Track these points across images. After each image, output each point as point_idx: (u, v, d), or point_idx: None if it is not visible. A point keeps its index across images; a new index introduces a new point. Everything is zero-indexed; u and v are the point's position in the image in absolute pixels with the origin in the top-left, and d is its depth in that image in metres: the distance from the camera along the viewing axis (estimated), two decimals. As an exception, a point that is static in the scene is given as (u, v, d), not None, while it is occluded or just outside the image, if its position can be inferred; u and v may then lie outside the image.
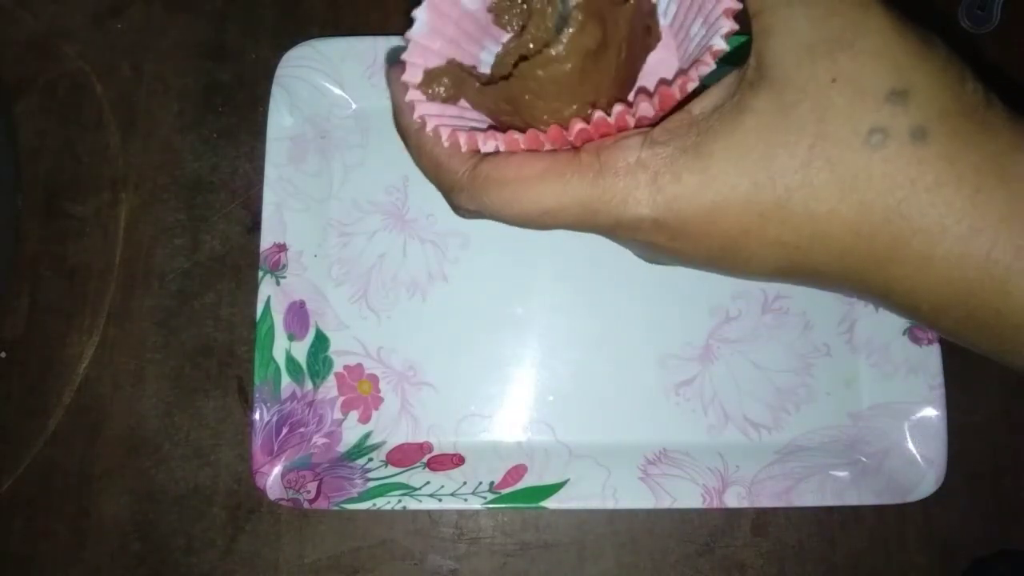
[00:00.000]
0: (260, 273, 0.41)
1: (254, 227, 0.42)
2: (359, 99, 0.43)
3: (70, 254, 0.43)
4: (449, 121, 0.23)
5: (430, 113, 0.23)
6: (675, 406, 0.41)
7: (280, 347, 0.40)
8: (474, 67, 0.24)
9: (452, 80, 0.23)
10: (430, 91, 0.23)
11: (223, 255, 0.43)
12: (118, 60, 0.45)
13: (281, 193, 0.42)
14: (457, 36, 0.23)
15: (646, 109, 0.21)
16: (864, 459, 0.40)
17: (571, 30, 0.20)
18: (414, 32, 0.23)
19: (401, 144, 0.45)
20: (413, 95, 0.23)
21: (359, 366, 0.42)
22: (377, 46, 0.42)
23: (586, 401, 0.41)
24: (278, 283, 0.41)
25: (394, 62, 0.23)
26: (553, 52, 0.20)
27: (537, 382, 0.42)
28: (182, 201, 0.44)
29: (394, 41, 0.42)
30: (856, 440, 0.41)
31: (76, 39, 0.45)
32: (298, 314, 0.41)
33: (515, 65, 0.22)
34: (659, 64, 0.24)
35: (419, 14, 0.22)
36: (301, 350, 0.41)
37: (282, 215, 0.41)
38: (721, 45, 0.20)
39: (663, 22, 0.24)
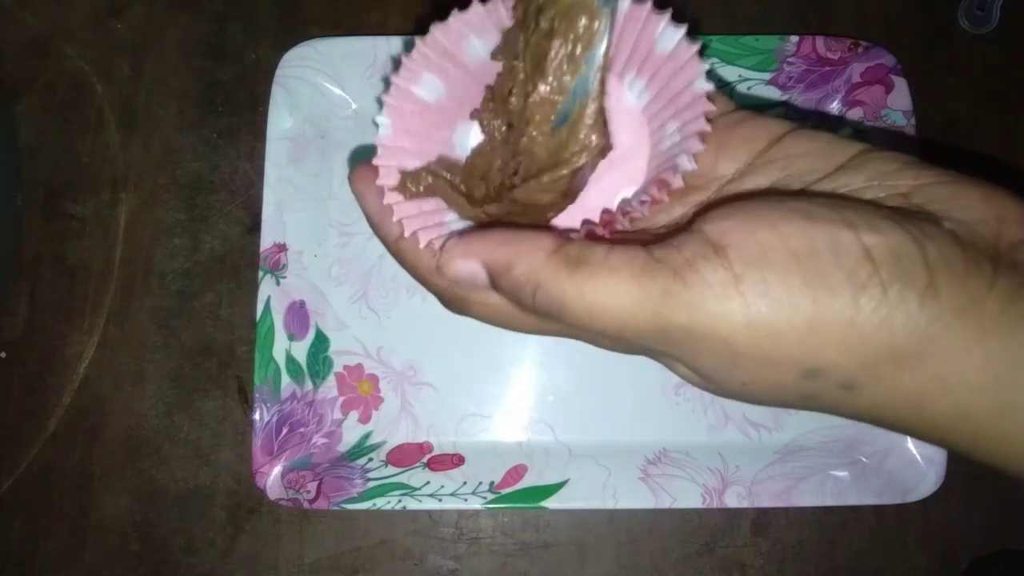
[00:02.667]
0: (260, 273, 0.41)
1: (254, 227, 0.42)
2: (359, 99, 0.43)
3: (70, 254, 0.43)
4: (428, 220, 0.23)
5: (409, 215, 0.22)
6: (675, 406, 0.41)
7: (280, 347, 0.40)
8: (446, 154, 0.24)
9: (431, 179, 0.23)
10: (407, 191, 0.23)
11: (223, 255, 0.43)
12: (118, 60, 0.45)
13: (281, 193, 0.42)
14: (423, 128, 0.23)
15: (638, 213, 0.21)
16: (864, 459, 0.40)
17: (595, 139, 0.21)
18: (381, 136, 0.23)
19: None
20: (391, 198, 0.22)
21: (359, 366, 0.42)
22: (377, 46, 0.42)
23: (586, 401, 0.41)
24: (278, 283, 0.41)
25: (356, 167, 0.23)
26: (577, 164, 0.21)
27: (537, 382, 0.42)
28: (182, 201, 0.44)
29: (394, 41, 0.42)
30: (856, 440, 0.41)
31: (76, 39, 0.45)
32: (298, 314, 0.41)
33: (512, 175, 0.22)
34: (632, 150, 0.24)
35: (381, 119, 0.23)
36: (301, 350, 0.41)
37: (282, 215, 0.41)
38: (688, 167, 0.21)
39: (633, 99, 0.24)
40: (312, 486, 0.39)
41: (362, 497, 0.39)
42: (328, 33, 0.43)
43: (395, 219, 0.22)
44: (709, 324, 0.18)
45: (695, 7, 0.46)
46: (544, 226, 0.23)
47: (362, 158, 0.43)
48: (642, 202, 0.21)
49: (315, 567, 0.41)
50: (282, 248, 0.41)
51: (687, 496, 0.39)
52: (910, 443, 0.39)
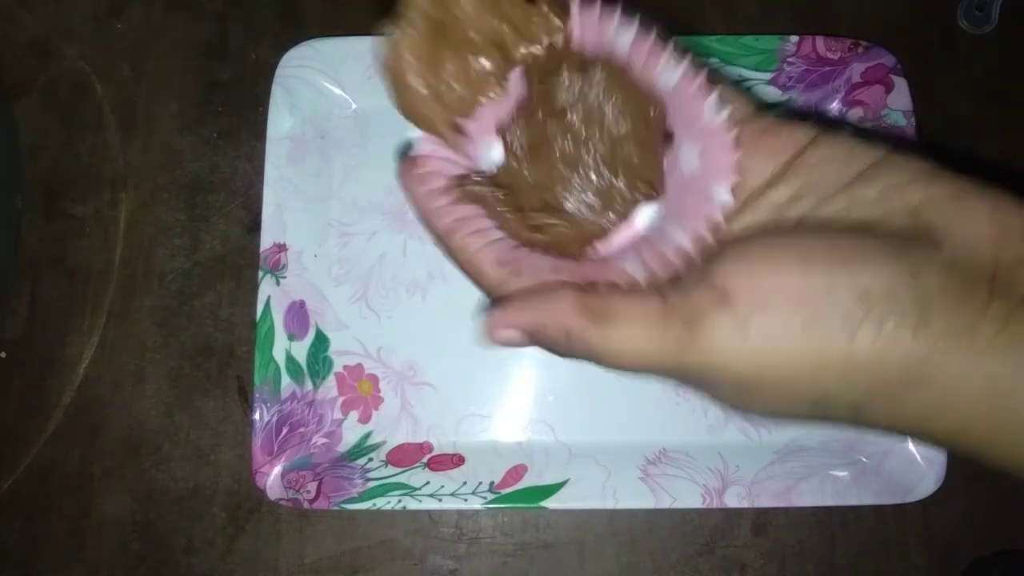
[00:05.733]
0: (260, 273, 0.41)
1: (254, 227, 0.42)
2: (359, 99, 0.43)
3: (70, 254, 0.43)
4: (476, 224, 0.24)
5: (460, 217, 0.24)
6: (675, 406, 0.41)
7: (280, 347, 0.40)
8: (476, 168, 0.25)
9: (478, 189, 0.24)
10: (457, 197, 0.24)
11: (223, 255, 0.43)
12: (118, 60, 0.45)
13: (281, 193, 0.42)
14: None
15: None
16: (864, 459, 0.40)
17: (641, 192, 0.23)
18: (420, 141, 0.24)
19: (401, 144, 0.45)
20: (441, 199, 0.24)
21: (359, 366, 0.42)
22: (377, 46, 0.42)
23: (586, 401, 0.41)
24: (278, 283, 0.41)
25: (403, 161, 0.24)
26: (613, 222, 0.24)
27: (537, 382, 0.42)
28: (182, 201, 0.44)
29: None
30: (856, 440, 0.41)
31: (76, 39, 0.45)
32: (298, 314, 0.41)
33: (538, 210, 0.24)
34: None
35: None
36: (301, 350, 0.41)
37: (282, 215, 0.41)
38: (727, 200, 0.22)
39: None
40: (312, 486, 0.39)
41: (362, 497, 0.39)
42: (328, 33, 0.43)
43: (449, 220, 0.23)
44: (720, 366, 0.20)
45: (695, 7, 0.46)
46: (575, 259, 0.24)
47: (362, 159, 0.43)
48: (694, 240, 0.22)
49: (315, 567, 0.41)
50: (282, 248, 0.41)
51: (687, 496, 0.39)
52: (910, 443, 0.39)
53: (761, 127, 0.23)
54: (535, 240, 0.24)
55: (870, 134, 0.23)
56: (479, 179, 0.24)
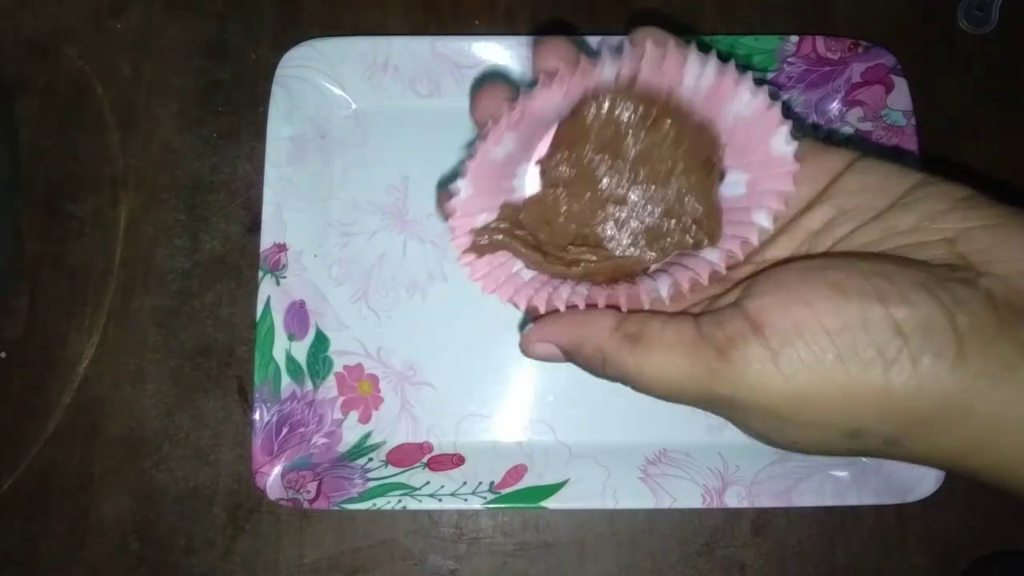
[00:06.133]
0: (260, 273, 0.41)
1: (254, 227, 0.42)
2: (359, 99, 0.43)
3: (70, 254, 0.43)
4: (501, 274, 0.24)
5: (482, 272, 0.24)
6: (675, 406, 0.41)
7: (280, 347, 0.40)
8: (508, 200, 0.24)
9: (499, 237, 0.24)
10: (479, 250, 0.24)
11: (223, 255, 0.43)
12: (118, 60, 0.45)
13: (281, 193, 0.42)
14: (491, 181, 0.24)
15: (708, 283, 0.23)
16: (864, 459, 0.40)
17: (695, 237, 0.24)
18: (457, 200, 0.23)
19: (401, 144, 0.45)
20: (465, 259, 0.24)
21: (359, 366, 0.42)
22: (377, 46, 0.42)
23: (586, 401, 0.41)
24: (278, 283, 0.41)
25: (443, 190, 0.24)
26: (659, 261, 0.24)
27: (537, 382, 0.42)
28: (182, 201, 0.44)
29: (394, 41, 0.42)
30: (856, 440, 0.41)
31: (76, 39, 0.45)
32: (298, 314, 0.41)
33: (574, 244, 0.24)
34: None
35: (462, 183, 0.23)
36: (301, 350, 0.41)
37: (282, 215, 0.41)
38: (767, 226, 0.22)
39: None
40: (312, 486, 0.39)
41: (362, 497, 0.39)
42: (328, 33, 0.43)
43: (471, 278, 0.24)
44: (751, 398, 0.20)
45: (695, 7, 0.46)
46: (615, 283, 0.24)
47: (362, 158, 0.43)
48: (725, 256, 0.23)
49: (315, 567, 0.41)
50: (282, 248, 0.41)
51: (687, 496, 0.39)
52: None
53: (799, 153, 0.22)
54: (567, 274, 0.24)
55: (905, 159, 0.23)
56: (502, 222, 0.24)
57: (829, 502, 0.39)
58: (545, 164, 0.24)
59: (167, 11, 0.46)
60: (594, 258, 0.24)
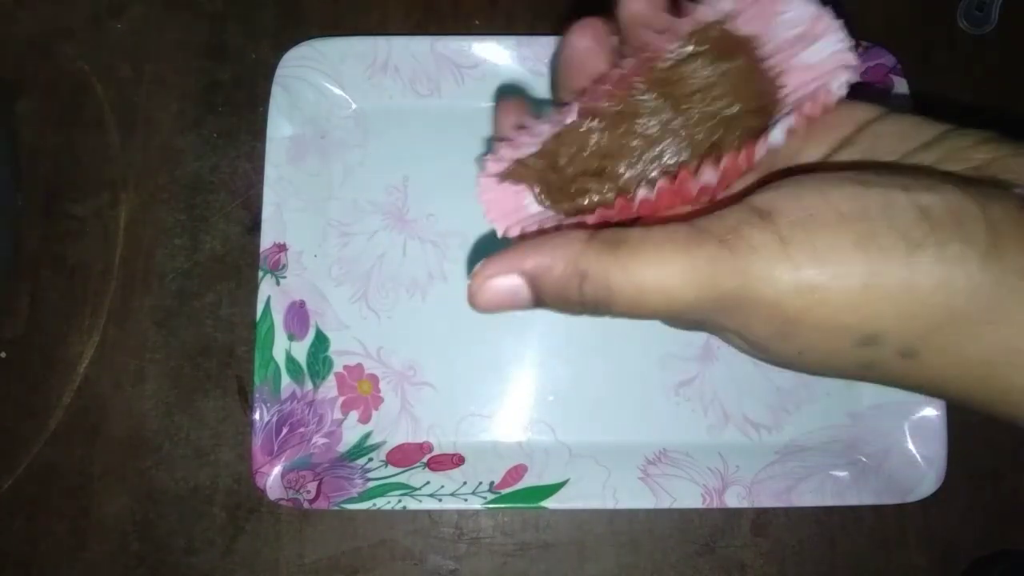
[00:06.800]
0: (260, 273, 0.41)
1: (254, 227, 0.42)
2: (359, 99, 0.43)
3: (70, 254, 0.43)
4: (508, 201, 0.22)
5: (503, 212, 0.22)
6: (675, 406, 0.41)
7: (280, 347, 0.40)
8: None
9: (517, 166, 0.22)
10: (501, 178, 0.22)
11: (223, 255, 0.43)
12: (118, 60, 0.45)
13: (281, 193, 0.42)
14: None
15: (709, 178, 0.20)
16: (864, 459, 0.40)
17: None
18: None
19: (401, 144, 0.45)
20: (483, 182, 0.22)
21: (359, 366, 0.42)
22: (377, 46, 0.42)
23: (586, 401, 0.41)
24: (278, 283, 0.41)
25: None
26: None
27: (537, 382, 0.42)
28: (182, 201, 0.44)
29: (394, 41, 0.42)
30: (856, 440, 0.41)
31: (76, 39, 0.45)
32: (298, 314, 0.41)
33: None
34: None
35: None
36: (301, 350, 0.41)
37: (282, 215, 0.41)
38: (779, 141, 0.20)
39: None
40: (312, 486, 0.39)
41: (362, 497, 0.39)
42: (328, 33, 0.43)
43: (478, 199, 0.21)
44: (758, 289, 0.17)
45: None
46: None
47: (362, 158, 0.43)
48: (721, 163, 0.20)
49: (315, 567, 0.41)
50: (282, 248, 0.41)
51: (687, 496, 0.39)
52: (910, 443, 0.39)
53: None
54: (578, 207, 0.21)
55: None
56: (533, 154, 0.22)
57: (829, 502, 0.39)
58: (583, 94, 0.22)
59: (167, 11, 0.46)
60: (600, 194, 0.21)
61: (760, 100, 0.21)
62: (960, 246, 0.16)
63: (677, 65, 0.21)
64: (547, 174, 0.22)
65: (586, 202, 0.21)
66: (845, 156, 0.20)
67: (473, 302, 0.20)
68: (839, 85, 0.20)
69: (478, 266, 0.20)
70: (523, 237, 0.21)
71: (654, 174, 0.21)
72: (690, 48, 0.21)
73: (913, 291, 0.16)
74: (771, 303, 0.17)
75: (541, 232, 0.21)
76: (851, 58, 0.20)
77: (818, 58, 0.21)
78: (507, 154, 0.22)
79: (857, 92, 0.21)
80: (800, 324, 0.17)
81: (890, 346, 0.17)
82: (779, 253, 0.17)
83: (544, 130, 0.22)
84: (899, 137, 0.20)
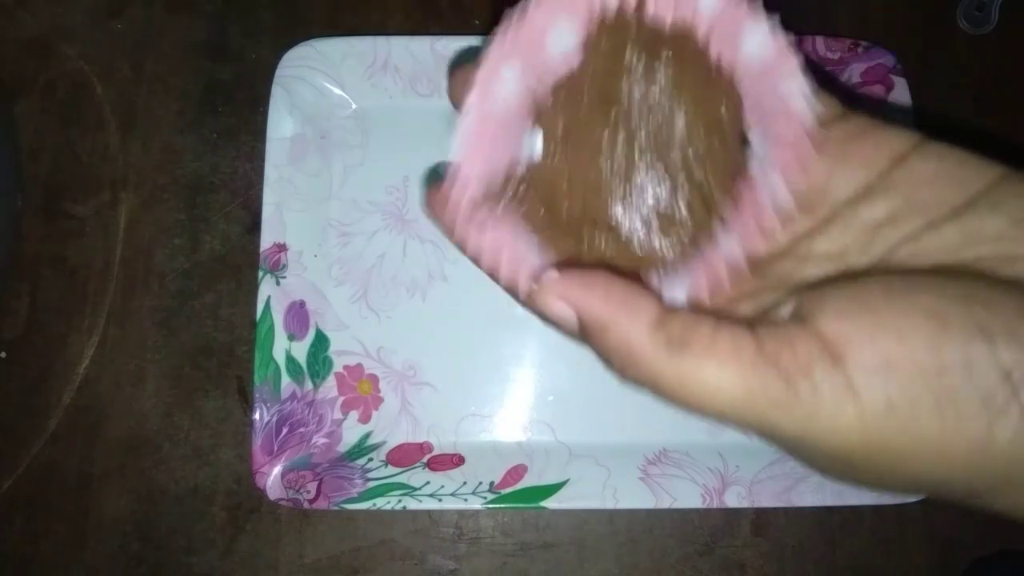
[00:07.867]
0: (260, 273, 0.41)
1: (254, 227, 0.42)
2: (359, 99, 0.43)
3: (70, 254, 0.43)
4: (509, 246, 0.20)
5: (487, 246, 0.20)
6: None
7: (280, 347, 0.40)
8: (515, 166, 0.21)
9: (505, 205, 0.20)
10: (482, 214, 0.20)
11: (223, 255, 0.43)
12: (118, 60, 0.45)
13: (281, 193, 0.42)
14: (496, 137, 0.20)
15: (733, 252, 0.19)
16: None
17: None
18: (457, 148, 0.19)
19: (401, 144, 0.45)
20: (461, 227, 0.20)
21: (359, 366, 0.42)
22: (377, 46, 0.42)
23: (586, 401, 0.41)
24: (278, 283, 0.41)
25: (429, 190, 0.20)
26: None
27: (537, 382, 0.42)
28: (182, 201, 0.44)
29: (394, 41, 0.42)
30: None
31: (76, 39, 0.45)
32: (298, 314, 0.41)
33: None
34: None
35: (463, 123, 0.19)
36: (301, 350, 0.41)
37: (282, 215, 0.41)
38: (785, 203, 0.19)
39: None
40: (312, 486, 0.39)
41: (362, 497, 0.39)
42: (328, 33, 0.43)
43: (470, 249, 0.20)
44: (821, 439, 0.17)
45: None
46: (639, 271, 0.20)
47: (362, 158, 0.43)
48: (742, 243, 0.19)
49: (315, 567, 0.41)
50: (282, 248, 0.41)
51: (687, 496, 0.39)
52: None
53: (852, 130, 0.20)
54: (579, 255, 0.20)
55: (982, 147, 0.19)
56: (510, 186, 0.20)
57: (829, 502, 0.39)
58: (541, 117, 0.20)
59: (167, 11, 0.46)
60: (602, 242, 0.20)
61: (718, 104, 0.19)
62: None
63: (607, 68, 0.19)
64: (538, 221, 0.20)
65: (586, 255, 0.20)
66: (884, 206, 0.19)
67: (529, 298, 0.19)
68: (799, 104, 0.19)
69: (551, 274, 0.19)
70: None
71: (645, 217, 0.20)
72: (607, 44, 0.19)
73: (988, 452, 0.16)
74: (833, 451, 0.17)
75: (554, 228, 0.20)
76: (791, 59, 0.19)
77: (756, 51, 0.19)
78: (462, 196, 0.19)
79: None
80: (862, 470, 0.17)
81: (956, 491, 0.17)
82: (850, 408, 0.16)
83: (458, 146, 0.19)
84: (945, 182, 0.18)
